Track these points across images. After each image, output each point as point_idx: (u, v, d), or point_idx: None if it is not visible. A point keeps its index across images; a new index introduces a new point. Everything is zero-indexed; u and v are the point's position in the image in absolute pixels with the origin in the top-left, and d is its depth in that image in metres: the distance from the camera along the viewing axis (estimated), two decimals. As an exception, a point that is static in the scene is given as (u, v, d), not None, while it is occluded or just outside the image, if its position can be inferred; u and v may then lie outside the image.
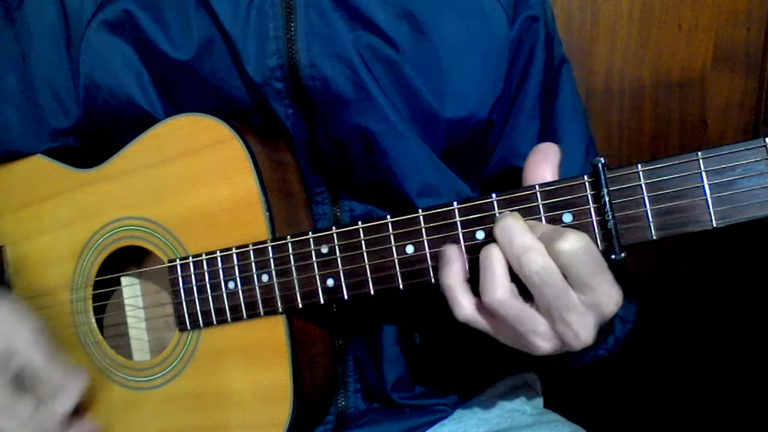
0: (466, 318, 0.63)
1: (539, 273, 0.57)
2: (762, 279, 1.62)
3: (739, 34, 1.53)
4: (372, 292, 0.70)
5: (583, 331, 0.59)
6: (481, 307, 0.62)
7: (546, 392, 1.02)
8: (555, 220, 0.61)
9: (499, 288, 0.59)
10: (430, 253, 0.66)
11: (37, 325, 0.76)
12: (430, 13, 0.79)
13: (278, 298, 0.74)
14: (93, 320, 0.86)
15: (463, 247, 0.65)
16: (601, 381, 1.73)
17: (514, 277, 0.60)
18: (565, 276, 0.58)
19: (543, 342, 0.61)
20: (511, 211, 0.62)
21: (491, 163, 0.88)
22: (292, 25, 0.77)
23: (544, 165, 0.62)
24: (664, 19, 1.53)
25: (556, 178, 0.62)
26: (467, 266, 0.64)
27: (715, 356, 1.72)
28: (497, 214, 0.63)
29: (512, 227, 0.58)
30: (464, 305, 0.62)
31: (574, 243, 0.56)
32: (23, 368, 0.75)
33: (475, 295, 0.63)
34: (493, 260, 0.59)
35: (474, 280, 0.64)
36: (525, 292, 0.60)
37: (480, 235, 0.64)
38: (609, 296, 0.58)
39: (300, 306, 0.73)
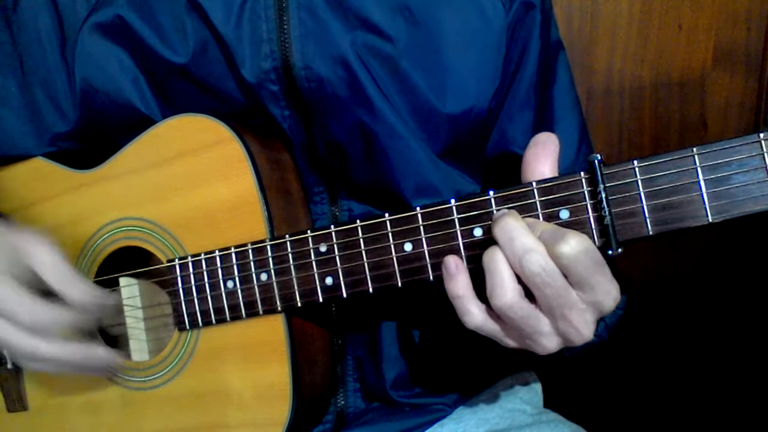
0: (477, 326, 0.63)
1: (541, 275, 0.57)
2: (763, 276, 1.62)
3: (739, 34, 1.54)
4: (371, 290, 0.70)
5: (584, 328, 0.60)
6: (490, 312, 0.62)
7: (546, 392, 1.02)
8: (552, 217, 0.61)
9: (509, 291, 0.59)
10: (428, 250, 0.66)
11: (39, 234, 0.73)
12: (427, 5, 0.79)
13: (277, 297, 0.74)
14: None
15: (461, 244, 0.65)
16: (601, 381, 1.73)
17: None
18: (565, 275, 0.58)
19: (548, 341, 0.62)
20: (509, 208, 0.62)
21: (486, 150, 0.88)
22: (285, 27, 0.77)
23: (543, 158, 0.62)
24: (664, 19, 1.53)
25: (555, 171, 0.62)
26: (466, 266, 0.64)
27: (715, 355, 1.71)
28: (495, 212, 0.63)
29: (512, 227, 0.59)
30: (475, 313, 0.63)
31: (574, 246, 0.56)
32: (32, 270, 0.71)
33: (481, 300, 0.63)
34: (499, 263, 0.59)
35: (474, 278, 0.64)
36: (526, 292, 0.60)
37: (478, 232, 0.64)
38: (608, 294, 0.59)
39: (299, 305, 0.73)
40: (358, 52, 0.78)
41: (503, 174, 0.87)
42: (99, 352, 0.74)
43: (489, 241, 0.62)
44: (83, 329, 0.74)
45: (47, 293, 0.72)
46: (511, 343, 0.64)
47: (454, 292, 0.63)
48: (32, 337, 0.71)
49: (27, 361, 0.73)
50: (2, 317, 0.70)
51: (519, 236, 0.58)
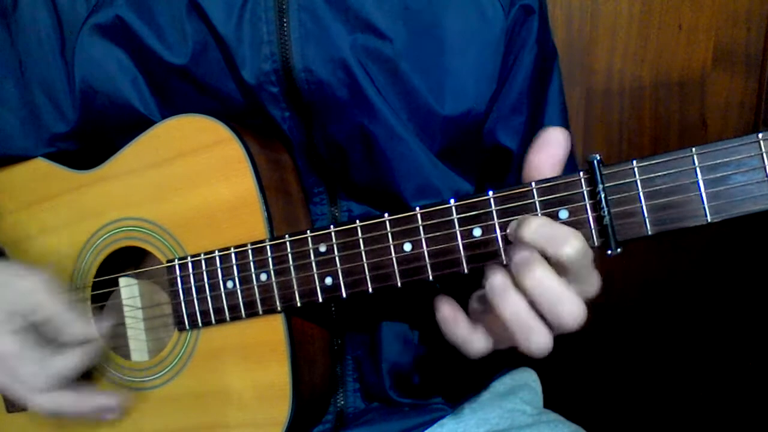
0: (485, 352, 0.64)
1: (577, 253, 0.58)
2: (762, 276, 1.62)
3: (739, 34, 1.54)
4: (370, 290, 0.70)
5: (580, 317, 0.61)
6: (492, 332, 0.63)
7: (546, 392, 1.02)
8: (551, 217, 0.61)
9: (544, 337, 0.59)
10: (427, 251, 0.66)
11: (50, 277, 0.76)
12: (427, 8, 0.79)
13: (277, 297, 0.74)
14: (92, 321, 0.86)
15: (460, 244, 0.65)
16: (601, 381, 1.73)
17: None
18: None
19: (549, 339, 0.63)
20: (508, 208, 0.63)
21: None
22: (286, 28, 0.77)
23: (556, 166, 0.62)
24: (664, 19, 1.53)
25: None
26: (465, 266, 0.64)
27: (714, 355, 1.71)
28: (494, 211, 0.63)
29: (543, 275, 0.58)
30: (481, 346, 0.63)
31: (577, 248, 0.57)
32: (45, 320, 0.75)
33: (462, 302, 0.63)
34: (520, 312, 0.59)
35: (471, 279, 0.64)
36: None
37: (477, 232, 0.64)
38: (593, 285, 0.62)
39: (298, 305, 0.73)
40: (357, 55, 0.78)
41: (490, 168, 0.89)
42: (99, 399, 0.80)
43: (488, 241, 0.62)
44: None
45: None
46: (506, 346, 0.65)
47: (459, 337, 0.63)
48: (37, 393, 0.75)
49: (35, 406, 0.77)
50: (5, 371, 0.74)
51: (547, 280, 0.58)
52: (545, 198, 0.61)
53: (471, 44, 0.81)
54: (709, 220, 0.57)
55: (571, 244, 0.57)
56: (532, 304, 0.58)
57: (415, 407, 0.89)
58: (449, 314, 0.64)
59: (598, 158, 0.59)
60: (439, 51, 0.80)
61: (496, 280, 0.59)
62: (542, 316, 0.59)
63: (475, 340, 0.63)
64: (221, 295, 0.77)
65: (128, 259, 0.86)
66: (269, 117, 0.80)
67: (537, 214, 0.62)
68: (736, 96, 1.57)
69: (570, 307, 0.57)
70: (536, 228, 0.59)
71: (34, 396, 0.75)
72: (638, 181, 0.58)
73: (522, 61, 0.85)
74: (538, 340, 0.59)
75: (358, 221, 0.70)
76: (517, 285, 0.58)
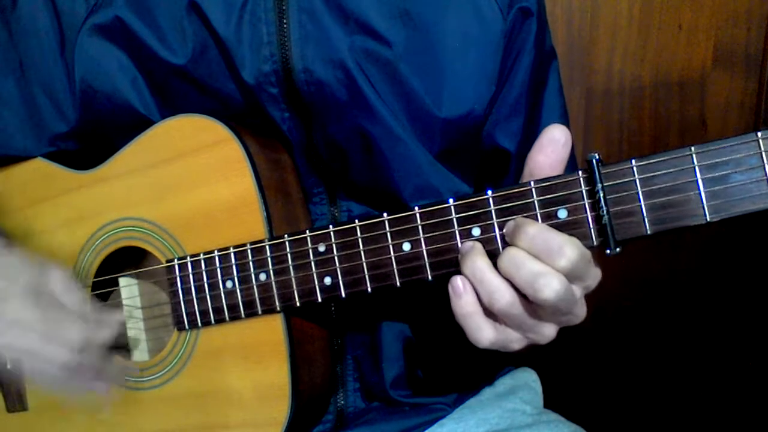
0: (491, 342, 0.63)
1: (557, 296, 0.58)
2: (762, 275, 1.62)
3: (739, 34, 1.54)
4: (369, 289, 0.70)
5: (582, 312, 0.63)
6: (500, 327, 0.63)
7: (546, 392, 1.02)
8: (550, 216, 0.61)
9: (506, 293, 0.60)
10: (426, 250, 0.66)
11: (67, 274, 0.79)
12: (426, 11, 0.79)
13: (276, 296, 0.74)
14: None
15: (459, 244, 0.65)
16: (601, 381, 1.73)
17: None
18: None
19: (554, 332, 0.64)
20: (507, 207, 0.63)
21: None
22: (285, 30, 0.77)
23: (559, 164, 0.62)
24: (664, 19, 1.53)
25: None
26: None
27: (714, 355, 1.71)
28: (493, 211, 0.63)
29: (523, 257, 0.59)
30: (487, 329, 0.63)
31: (572, 256, 0.58)
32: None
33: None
34: (485, 272, 0.61)
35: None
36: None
37: (476, 232, 0.64)
38: (596, 278, 0.62)
39: (298, 304, 0.73)
40: (355, 56, 0.78)
41: (488, 170, 0.89)
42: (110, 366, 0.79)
43: (487, 240, 0.62)
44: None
45: None
46: (516, 346, 0.65)
47: (465, 310, 0.63)
48: (49, 343, 0.74)
49: (43, 367, 0.76)
50: (24, 329, 0.74)
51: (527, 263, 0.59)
52: (544, 197, 0.61)
53: (470, 47, 0.81)
54: (709, 220, 0.57)
55: (566, 257, 0.58)
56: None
57: (415, 407, 0.89)
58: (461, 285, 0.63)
59: (597, 157, 0.59)
60: (438, 54, 0.80)
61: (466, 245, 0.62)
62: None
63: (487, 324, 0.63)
64: (220, 294, 0.77)
65: (128, 259, 0.86)
66: (269, 117, 0.80)
67: (535, 214, 0.62)
68: (736, 96, 1.57)
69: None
70: (533, 236, 0.59)
71: (64, 354, 0.75)
72: (637, 181, 0.58)
73: (521, 63, 0.84)
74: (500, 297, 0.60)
75: (357, 221, 0.70)
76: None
